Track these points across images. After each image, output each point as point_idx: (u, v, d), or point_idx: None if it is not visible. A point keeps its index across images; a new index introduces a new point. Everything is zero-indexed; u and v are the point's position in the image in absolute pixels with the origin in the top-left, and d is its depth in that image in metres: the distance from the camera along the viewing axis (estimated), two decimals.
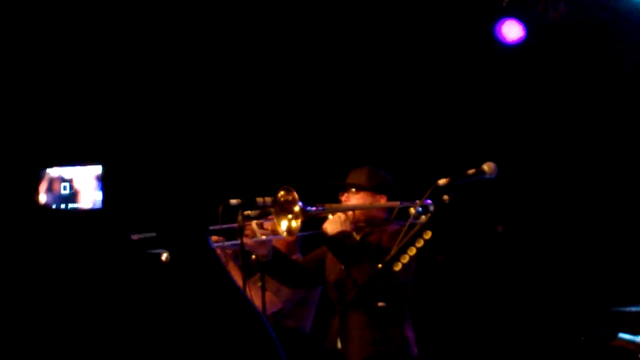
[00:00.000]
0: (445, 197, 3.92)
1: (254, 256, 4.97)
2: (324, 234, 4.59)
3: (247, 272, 4.96)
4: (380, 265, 3.87)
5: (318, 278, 4.85)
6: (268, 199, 4.74)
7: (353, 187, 4.72)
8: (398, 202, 4.49)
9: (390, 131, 7.31)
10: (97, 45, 6.56)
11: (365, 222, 4.71)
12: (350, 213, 4.65)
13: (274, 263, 4.69)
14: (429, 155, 7.05)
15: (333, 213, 4.62)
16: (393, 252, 3.85)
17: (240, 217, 4.67)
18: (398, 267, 3.83)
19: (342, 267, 4.60)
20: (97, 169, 5.95)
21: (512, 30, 6.83)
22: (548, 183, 7.15)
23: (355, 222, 4.66)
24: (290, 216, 4.50)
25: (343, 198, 4.76)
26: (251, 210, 4.77)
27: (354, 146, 7.14)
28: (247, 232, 4.77)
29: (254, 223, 4.81)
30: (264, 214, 4.90)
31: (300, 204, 4.47)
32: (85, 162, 6.19)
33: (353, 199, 4.72)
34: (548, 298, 7.06)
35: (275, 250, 4.73)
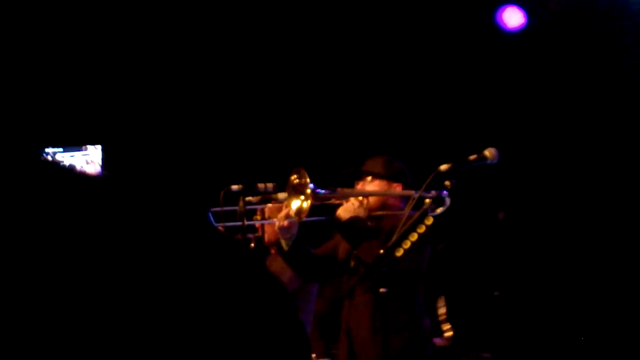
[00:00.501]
0: (447, 182, 3.92)
1: (252, 244, 4.94)
2: (336, 220, 4.57)
3: None
4: (382, 251, 3.87)
5: (332, 272, 4.79)
6: (269, 185, 4.73)
7: (369, 175, 4.70)
8: (412, 191, 4.43)
9: (392, 118, 7.30)
10: (95, 28, 6.53)
11: (380, 210, 4.67)
12: (364, 200, 4.62)
13: (293, 252, 4.62)
14: (431, 141, 7.04)
15: (344, 197, 4.59)
16: (395, 237, 3.85)
17: (241, 203, 4.66)
18: (400, 252, 3.84)
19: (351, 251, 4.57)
20: (97, 155, 5.95)
21: (513, 17, 6.82)
22: (550, 170, 7.15)
23: (369, 210, 4.63)
24: (302, 197, 4.48)
25: (359, 186, 4.73)
26: (252, 196, 4.76)
27: (355, 132, 7.13)
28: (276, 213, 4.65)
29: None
30: (265, 200, 4.88)
31: (311, 186, 4.45)
32: (85, 144, 6.19)
33: (368, 186, 4.69)
34: (549, 286, 7.06)
35: (295, 239, 4.63)
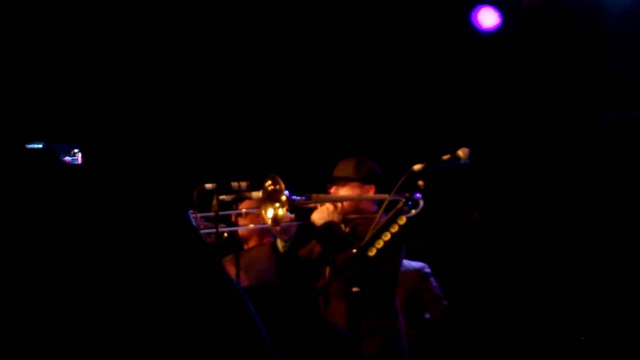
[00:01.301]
0: (420, 182, 3.94)
1: (226, 234, 4.94)
2: (311, 225, 4.57)
3: (221, 252, 4.95)
4: (354, 251, 3.88)
5: (309, 277, 4.80)
6: (243, 184, 4.72)
7: (341, 180, 4.70)
8: (386, 195, 4.44)
9: (365, 118, 7.31)
10: (73, 26, 6.49)
11: (355, 213, 4.67)
12: (339, 205, 4.62)
13: (289, 255, 4.61)
14: (404, 141, 7.05)
15: (320, 203, 4.59)
16: (367, 237, 3.86)
17: (215, 202, 4.66)
18: (372, 252, 3.84)
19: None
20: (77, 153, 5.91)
21: (488, 18, 6.85)
22: (523, 170, 7.18)
23: (343, 214, 4.63)
24: (277, 205, 4.47)
25: (332, 190, 4.73)
26: (226, 194, 4.76)
27: (328, 131, 7.14)
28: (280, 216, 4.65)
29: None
30: (239, 199, 4.88)
31: (286, 192, 4.45)
32: (62, 142, 6.13)
33: (341, 190, 4.68)
34: (522, 285, 7.10)
35: (292, 242, 4.64)
